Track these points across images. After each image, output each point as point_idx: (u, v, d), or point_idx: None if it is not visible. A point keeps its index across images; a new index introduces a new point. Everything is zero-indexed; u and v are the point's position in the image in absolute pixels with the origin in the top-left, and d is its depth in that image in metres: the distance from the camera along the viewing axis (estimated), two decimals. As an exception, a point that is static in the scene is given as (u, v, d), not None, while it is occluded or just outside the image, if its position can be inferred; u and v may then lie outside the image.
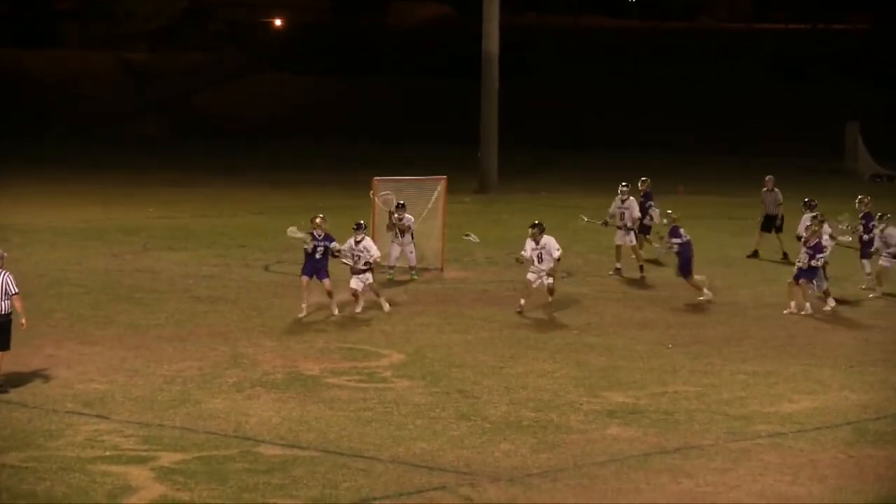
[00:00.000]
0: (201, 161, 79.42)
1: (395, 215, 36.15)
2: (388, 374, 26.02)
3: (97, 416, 22.41)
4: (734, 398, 24.35)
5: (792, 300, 32.60)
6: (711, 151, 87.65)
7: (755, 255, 41.88)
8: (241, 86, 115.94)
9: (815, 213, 35.59)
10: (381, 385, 25.05)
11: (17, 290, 23.81)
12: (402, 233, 36.15)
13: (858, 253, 36.07)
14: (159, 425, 21.91)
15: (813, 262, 32.23)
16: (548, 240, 32.49)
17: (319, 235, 30.92)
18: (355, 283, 31.37)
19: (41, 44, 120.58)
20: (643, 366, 26.95)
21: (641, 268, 38.02)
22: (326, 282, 31.02)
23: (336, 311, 31.16)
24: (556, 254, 32.37)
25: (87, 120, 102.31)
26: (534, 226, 32.59)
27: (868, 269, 35.67)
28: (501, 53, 62.94)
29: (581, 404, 23.75)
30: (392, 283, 35.60)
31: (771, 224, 42.01)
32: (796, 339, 29.87)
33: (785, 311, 32.43)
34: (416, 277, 36.29)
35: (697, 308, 33.48)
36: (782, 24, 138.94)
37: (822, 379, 25.95)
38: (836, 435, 22.02)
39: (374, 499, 18.43)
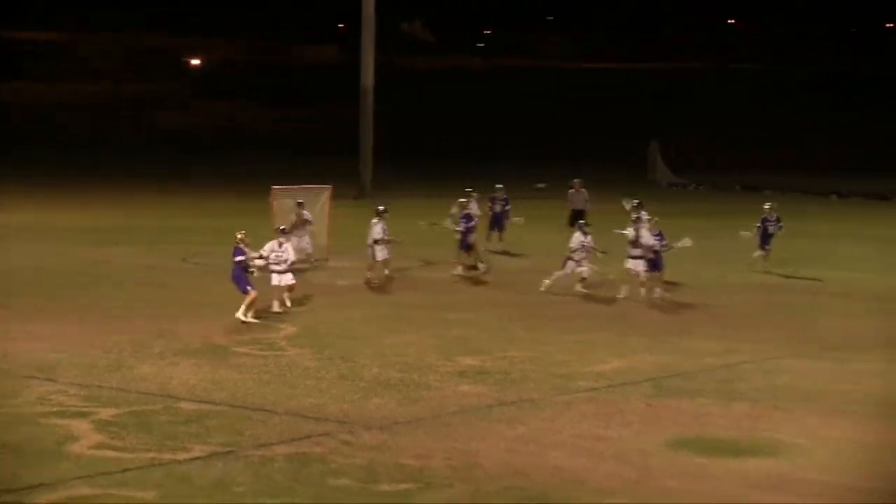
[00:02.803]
0: (140, 172, 78.37)
1: (302, 212, 35.96)
2: (283, 343, 25.85)
3: (47, 379, 22.11)
4: (559, 361, 24.43)
5: (625, 285, 32.38)
6: (545, 163, 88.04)
7: None
8: (173, 110, 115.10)
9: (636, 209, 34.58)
10: (277, 353, 24.90)
11: None
12: (303, 226, 35.90)
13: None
14: (98, 386, 21.66)
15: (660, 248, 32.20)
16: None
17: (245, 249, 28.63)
18: (277, 280, 29.45)
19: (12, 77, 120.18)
20: (489, 335, 26.97)
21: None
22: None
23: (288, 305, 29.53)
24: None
25: (56, 141, 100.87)
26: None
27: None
28: (377, 86, 63.06)
29: (438, 367, 23.74)
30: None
31: (578, 218, 42.25)
32: (611, 314, 30.08)
33: (620, 295, 32.19)
34: (315, 264, 35.98)
35: (534, 289, 33.51)
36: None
37: (630, 345, 26.12)
38: (639, 389, 22.19)
39: (272, 443, 18.33)
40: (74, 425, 19.11)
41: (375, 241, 33.17)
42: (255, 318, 27.91)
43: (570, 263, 32.44)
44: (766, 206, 37.06)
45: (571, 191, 43.12)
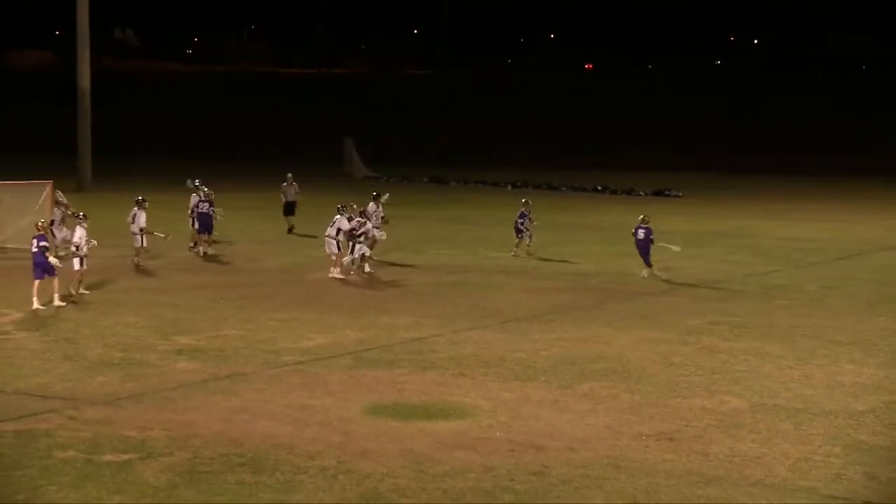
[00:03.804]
0: None
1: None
2: (9, 328, 25.11)
3: None
4: (268, 338, 24.46)
5: (335, 266, 32.86)
6: (248, 160, 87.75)
7: (291, 231, 42.66)
8: None
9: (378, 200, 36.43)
10: (3, 336, 24.16)
11: None
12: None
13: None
14: None
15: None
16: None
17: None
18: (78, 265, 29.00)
19: None
20: (202, 316, 26.78)
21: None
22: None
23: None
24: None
25: None
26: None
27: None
28: (94, 88, 61.71)
29: (157, 346, 23.45)
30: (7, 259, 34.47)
31: (291, 209, 43.18)
32: (313, 295, 30.23)
33: (331, 275, 32.70)
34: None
35: (242, 273, 33.51)
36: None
37: (331, 322, 26.31)
38: (340, 362, 22.38)
39: (1, 420, 17.81)
40: None
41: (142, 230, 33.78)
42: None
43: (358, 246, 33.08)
44: (523, 201, 38.89)
45: (284, 184, 43.86)
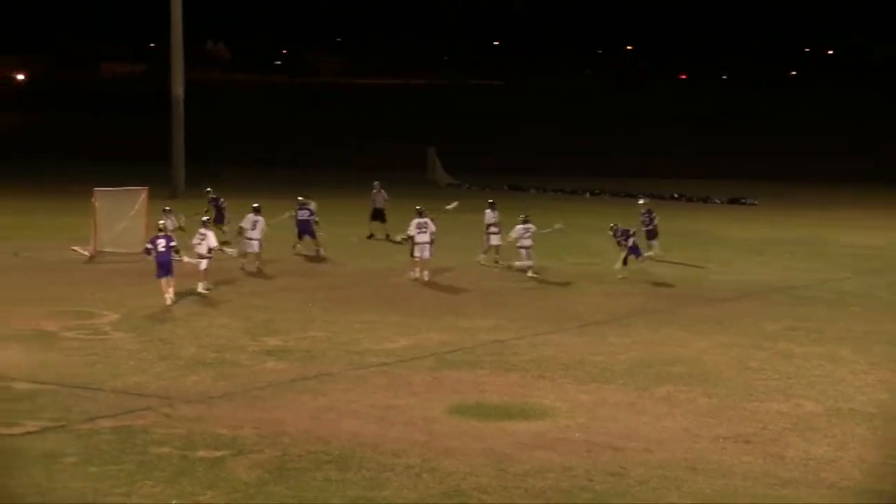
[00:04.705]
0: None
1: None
2: (107, 328, 25.37)
3: None
4: (352, 339, 24.54)
5: (414, 269, 32.87)
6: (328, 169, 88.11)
7: (371, 237, 42.73)
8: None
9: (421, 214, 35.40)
10: (102, 337, 24.43)
11: None
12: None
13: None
14: (-64, 370, 21.02)
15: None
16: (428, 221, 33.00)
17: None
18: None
19: None
20: (291, 318, 26.90)
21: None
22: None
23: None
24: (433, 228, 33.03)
25: None
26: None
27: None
28: (186, 98, 62.32)
29: (248, 346, 23.63)
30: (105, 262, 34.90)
31: (380, 216, 43.21)
32: (396, 298, 30.27)
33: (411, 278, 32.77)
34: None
35: (329, 276, 33.62)
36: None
37: (414, 325, 26.33)
38: (424, 363, 22.41)
39: (99, 417, 18.01)
40: (-85, 406, 18.51)
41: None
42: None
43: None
44: (641, 202, 38.73)
45: (374, 191, 44.02)
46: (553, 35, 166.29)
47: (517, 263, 34.35)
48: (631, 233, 34.39)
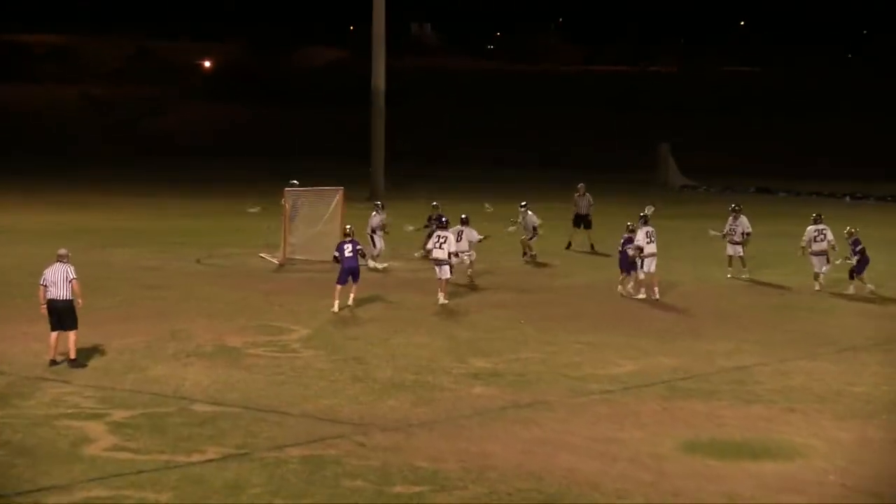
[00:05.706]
0: (143, 174, 78.79)
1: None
2: (296, 345, 25.86)
3: (62, 381, 22.14)
4: (572, 363, 24.45)
5: (625, 284, 32.97)
6: (547, 168, 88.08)
7: (569, 246, 42.51)
8: (176, 114, 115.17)
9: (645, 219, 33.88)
10: (291, 354, 24.91)
11: (75, 277, 23.62)
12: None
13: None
14: (112, 388, 21.65)
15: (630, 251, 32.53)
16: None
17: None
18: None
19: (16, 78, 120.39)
20: (500, 337, 26.98)
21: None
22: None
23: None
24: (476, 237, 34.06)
25: (55, 141, 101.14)
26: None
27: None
28: (386, 88, 63.12)
29: (451, 369, 23.74)
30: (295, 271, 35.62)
31: (580, 221, 42.97)
32: (621, 316, 30.07)
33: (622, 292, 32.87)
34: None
35: (543, 291, 33.63)
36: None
37: (642, 347, 26.11)
38: (653, 391, 22.18)
39: (287, 445, 18.31)
40: (88, 427, 19.11)
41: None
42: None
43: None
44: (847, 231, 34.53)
45: (577, 195, 43.51)
46: (811, 12, 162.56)
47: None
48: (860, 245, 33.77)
